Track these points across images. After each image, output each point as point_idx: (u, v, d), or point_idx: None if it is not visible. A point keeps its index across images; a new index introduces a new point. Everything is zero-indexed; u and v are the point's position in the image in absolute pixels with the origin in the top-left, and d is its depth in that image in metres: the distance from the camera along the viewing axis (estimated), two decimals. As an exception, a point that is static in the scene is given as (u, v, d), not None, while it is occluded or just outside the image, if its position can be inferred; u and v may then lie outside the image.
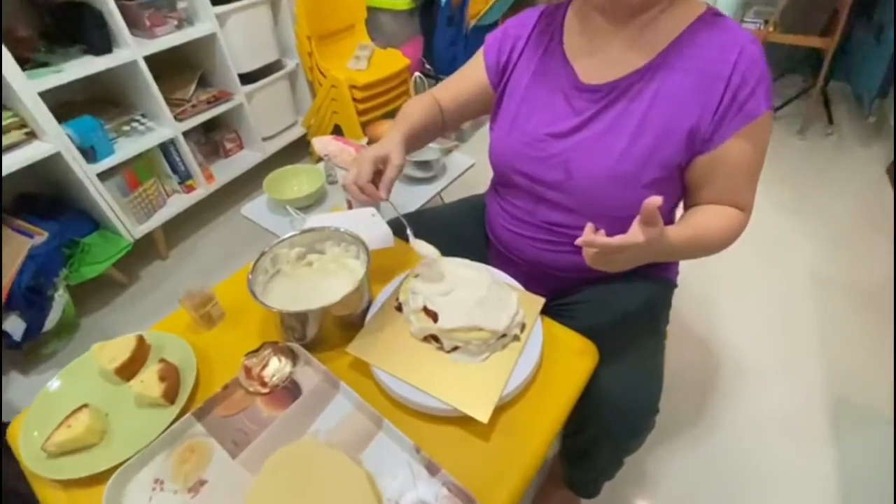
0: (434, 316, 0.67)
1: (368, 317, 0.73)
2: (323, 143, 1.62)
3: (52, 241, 1.43)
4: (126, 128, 1.64)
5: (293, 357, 0.69)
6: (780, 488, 1.11)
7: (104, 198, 1.54)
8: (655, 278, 0.84)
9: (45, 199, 1.59)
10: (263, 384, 0.65)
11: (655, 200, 0.51)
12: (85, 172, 1.48)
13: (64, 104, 1.50)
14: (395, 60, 2.20)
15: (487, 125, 0.88)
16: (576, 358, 0.70)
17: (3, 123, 1.31)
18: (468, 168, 1.62)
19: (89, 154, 1.49)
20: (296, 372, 0.68)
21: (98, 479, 0.56)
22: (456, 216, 1.01)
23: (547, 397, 0.65)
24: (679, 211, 0.81)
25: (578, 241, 0.56)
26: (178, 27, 1.65)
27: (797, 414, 1.25)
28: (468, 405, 0.60)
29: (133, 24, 1.50)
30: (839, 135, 2.40)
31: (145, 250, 1.81)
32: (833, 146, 2.34)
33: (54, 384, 0.68)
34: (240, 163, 2.06)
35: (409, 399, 0.62)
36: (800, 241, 1.79)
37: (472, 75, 0.86)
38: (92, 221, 1.62)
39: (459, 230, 0.96)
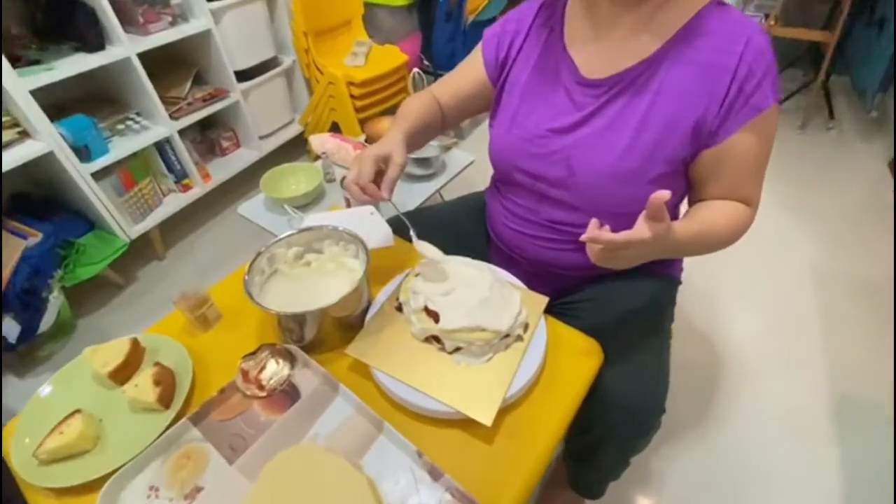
0: (435, 316, 0.65)
1: (368, 317, 0.71)
2: (320, 141, 1.60)
3: (46, 242, 1.41)
4: (120, 126, 1.62)
5: (291, 359, 0.67)
6: (783, 487, 1.10)
7: (99, 197, 1.53)
8: (660, 275, 0.83)
9: (38, 199, 1.57)
10: (261, 387, 0.64)
11: (663, 195, 0.50)
12: (79, 172, 1.46)
13: (56, 102, 1.48)
14: (392, 57, 2.18)
15: (486, 122, 0.86)
16: (580, 358, 0.69)
17: (-5, 123, 1.29)
18: (468, 165, 1.60)
19: (83, 153, 1.47)
20: (294, 374, 0.66)
21: (91, 486, 0.55)
22: (456, 214, 1.00)
23: (551, 398, 0.64)
24: (683, 207, 0.79)
25: (583, 238, 0.54)
26: (173, 24, 1.63)
27: (800, 412, 1.24)
28: (471, 408, 0.59)
29: (126, 21, 1.48)
30: (840, 129, 2.39)
31: (142, 250, 1.79)
32: (834, 141, 2.33)
33: (46, 389, 0.66)
34: (236, 161, 2.04)
35: (411, 402, 0.61)
36: (800, 237, 1.78)
37: (470, 72, 0.84)
38: (87, 221, 1.60)
39: (460, 229, 0.95)
